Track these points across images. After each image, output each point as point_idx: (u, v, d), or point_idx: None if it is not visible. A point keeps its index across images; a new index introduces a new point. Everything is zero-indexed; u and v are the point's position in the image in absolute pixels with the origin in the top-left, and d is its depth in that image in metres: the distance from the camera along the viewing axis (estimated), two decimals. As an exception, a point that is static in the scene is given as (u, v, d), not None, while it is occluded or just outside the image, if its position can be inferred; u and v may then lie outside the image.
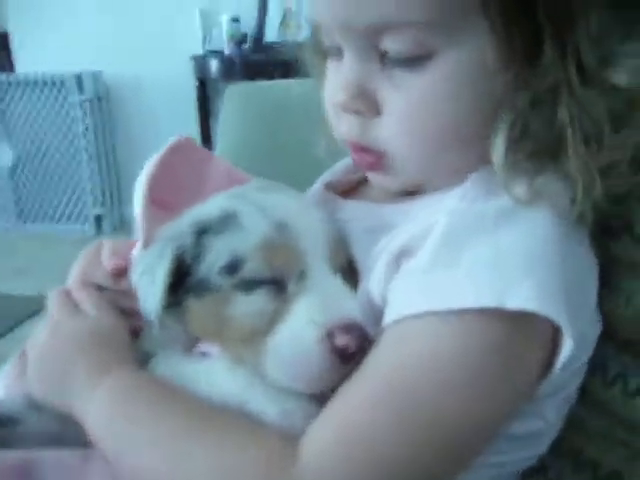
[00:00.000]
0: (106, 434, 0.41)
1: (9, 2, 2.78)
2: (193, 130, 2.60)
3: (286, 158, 0.86)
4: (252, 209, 0.43)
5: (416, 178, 0.45)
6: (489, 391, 0.36)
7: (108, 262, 0.48)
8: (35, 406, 0.44)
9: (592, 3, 0.38)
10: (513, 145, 0.39)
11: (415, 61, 0.39)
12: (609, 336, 0.44)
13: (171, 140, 0.54)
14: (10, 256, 2.61)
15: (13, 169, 2.84)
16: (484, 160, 0.41)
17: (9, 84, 2.73)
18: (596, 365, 0.45)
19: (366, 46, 0.41)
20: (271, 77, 1.01)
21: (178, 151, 0.54)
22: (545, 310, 0.35)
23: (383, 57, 0.41)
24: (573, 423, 0.46)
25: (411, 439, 0.35)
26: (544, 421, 0.43)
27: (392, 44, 0.39)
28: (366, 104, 0.42)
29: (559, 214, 0.38)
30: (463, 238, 0.38)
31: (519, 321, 0.36)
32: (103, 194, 2.83)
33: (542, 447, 0.45)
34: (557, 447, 0.46)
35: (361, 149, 0.45)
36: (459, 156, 0.43)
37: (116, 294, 0.47)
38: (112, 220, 2.87)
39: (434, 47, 0.39)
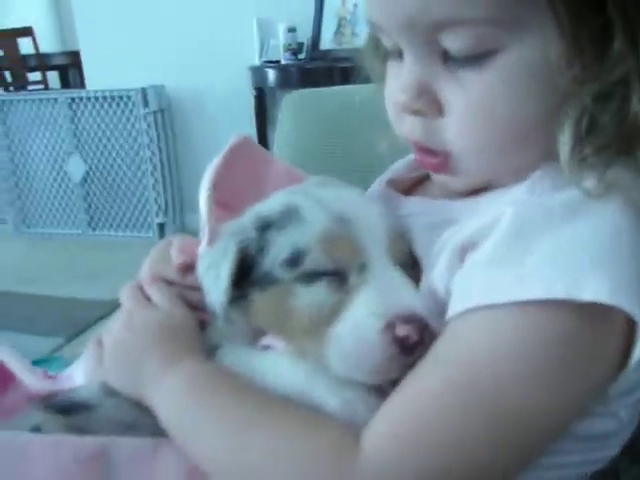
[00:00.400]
0: (174, 422, 0.43)
1: (80, 23, 2.96)
2: (252, 138, 2.66)
3: (342, 164, 0.86)
4: (312, 203, 0.44)
5: (481, 178, 0.45)
6: (555, 384, 0.35)
7: (176, 258, 0.50)
8: (111, 394, 0.46)
9: None
10: (580, 141, 0.38)
11: (477, 59, 0.39)
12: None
13: (232, 140, 0.56)
14: (80, 261, 2.75)
15: (84, 179, 3.00)
16: (549, 156, 0.40)
17: (80, 100, 2.89)
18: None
19: (426, 45, 0.41)
20: (327, 84, 1.02)
21: (239, 151, 0.55)
22: (618, 302, 0.34)
23: (444, 56, 0.41)
24: (648, 426, 0.44)
25: (473, 432, 0.35)
26: (617, 421, 0.41)
27: (453, 42, 0.39)
28: (428, 104, 0.42)
29: (630, 206, 0.37)
30: (530, 230, 0.37)
31: (590, 314, 0.35)
32: (166, 203, 2.93)
33: (614, 449, 0.43)
34: (631, 451, 0.44)
35: (425, 151, 0.45)
36: (524, 153, 0.42)
37: (184, 288, 0.49)
38: (174, 228, 2.97)
39: (496, 44, 0.39)
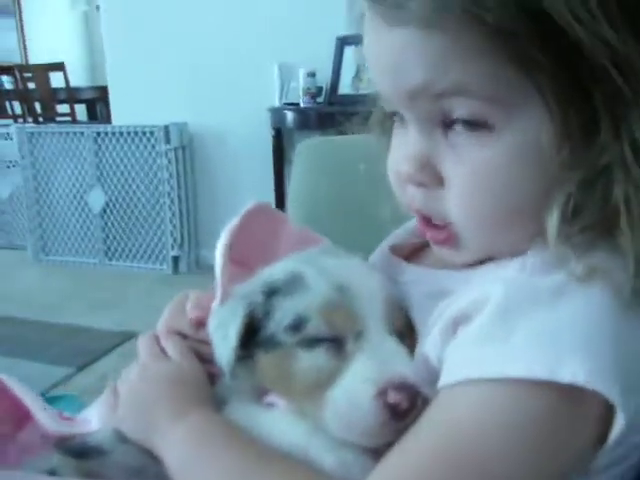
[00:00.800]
0: (182, 471, 0.45)
1: (111, 60, 3.09)
2: (269, 177, 2.74)
3: (354, 213, 0.89)
4: (315, 272, 0.47)
5: (482, 252, 0.47)
6: (536, 462, 0.37)
7: (190, 313, 0.54)
8: (123, 440, 0.49)
9: None
10: (566, 222, 0.40)
11: (475, 130, 0.41)
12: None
13: (249, 205, 0.60)
14: (96, 290, 2.80)
15: (103, 210, 3.09)
16: (541, 234, 0.42)
17: (106, 134, 3.00)
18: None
19: (429, 118, 0.43)
20: (344, 128, 1.05)
21: (256, 214, 0.59)
22: (594, 384, 0.36)
23: (446, 128, 0.43)
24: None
25: None
26: None
27: (454, 109, 0.41)
28: (429, 176, 0.45)
29: (614, 289, 0.39)
30: (518, 309, 0.39)
31: (570, 395, 0.36)
32: (182, 237, 2.99)
33: None
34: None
35: (429, 224, 0.48)
36: (517, 230, 0.44)
37: (197, 342, 0.52)
38: (188, 261, 3.02)
39: (493, 120, 0.41)
